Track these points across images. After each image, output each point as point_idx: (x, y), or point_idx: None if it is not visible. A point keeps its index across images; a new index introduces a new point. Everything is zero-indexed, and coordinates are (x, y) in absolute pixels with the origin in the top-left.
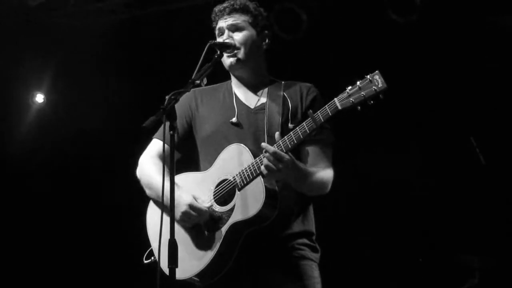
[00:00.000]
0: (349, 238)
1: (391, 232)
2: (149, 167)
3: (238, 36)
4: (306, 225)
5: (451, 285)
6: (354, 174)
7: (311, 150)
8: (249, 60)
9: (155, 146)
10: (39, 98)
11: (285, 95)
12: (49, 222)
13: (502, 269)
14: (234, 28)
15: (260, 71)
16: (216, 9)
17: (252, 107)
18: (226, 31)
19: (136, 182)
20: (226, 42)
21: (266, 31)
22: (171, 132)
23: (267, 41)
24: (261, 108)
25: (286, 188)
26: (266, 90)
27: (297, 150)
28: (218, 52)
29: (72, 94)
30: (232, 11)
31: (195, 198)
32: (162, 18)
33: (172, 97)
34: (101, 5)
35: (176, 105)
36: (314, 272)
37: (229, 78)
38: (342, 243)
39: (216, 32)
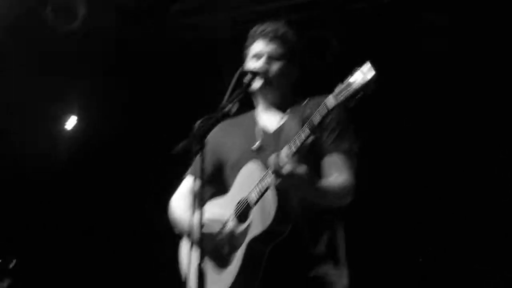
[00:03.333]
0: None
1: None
2: (176, 204)
3: (274, 67)
4: (331, 251)
5: None
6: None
7: (328, 159)
8: (279, 89)
9: (186, 183)
10: (72, 121)
11: (306, 110)
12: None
13: None
14: (273, 57)
15: (287, 95)
16: (258, 30)
17: (273, 130)
18: (265, 57)
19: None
20: (257, 70)
21: (299, 64)
22: (201, 157)
23: (297, 72)
24: (281, 129)
25: (303, 207)
26: (287, 112)
27: (316, 163)
28: (249, 79)
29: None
30: (275, 38)
31: (214, 217)
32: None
33: (202, 123)
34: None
35: (207, 139)
36: None
37: (254, 107)
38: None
39: (250, 53)
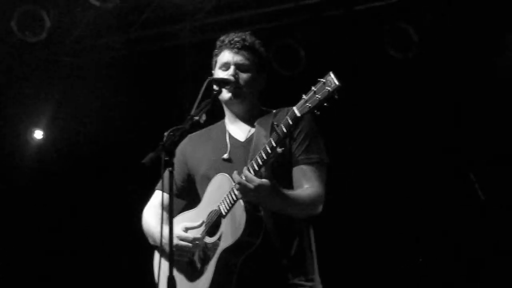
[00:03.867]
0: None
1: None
2: (148, 216)
3: (243, 76)
4: (302, 259)
5: None
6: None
7: (298, 169)
8: (248, 98)
9: (157, 196)
10: (38, 134)
11: (274, 122)
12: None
13: None
14: (241, 67)
15: (254, 105)
16: (226, 39)
17: (242, 140)
18: (233, 67)
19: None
20: (225, 79)
21: (266, 73)
22: (170, 169)
23: (265, 82)
24: (250, 140)
25: (272, 217)
26: (256, 122)
27: (286, 174)
28: (217, 88)
29: (71, 130)
30: (243, 48)
31: (185, 230)
32: (161, 54)
33: (171, 133)
34: (101, 41)
35: (176, 152)
36: None
37: (224, 117)
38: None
39: (218, 63)
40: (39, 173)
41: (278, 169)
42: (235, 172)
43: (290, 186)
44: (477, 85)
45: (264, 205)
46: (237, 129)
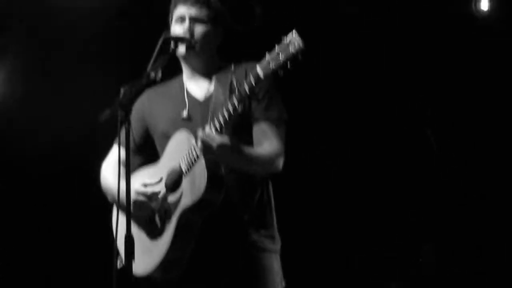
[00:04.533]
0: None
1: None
2: (106, 172)
3: (198, 30)
4: (262, 215)
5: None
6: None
7: (257, 128)
8: (204, 53)
9: (114, 153)
10: None
11: (233, 78)
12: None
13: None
14: (196, 21)
15: (212, 60)
16: None
17: (201, 99)
18: (188, 20)
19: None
20: (181, 36)
21: (222, 28)
22: (126, 125)
23: (221, 36)
24: (209, 98)
25: (233, 173)
26: (215, 79)
27: (247, 131)
28: (173, 45)
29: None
30: (197, 1)
31: (144, 185)
32: None
33: (127, 89)
34: None
35: (133, 108)
36: (274, 264)
37: (181, 72)
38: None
39: (174, 17)
40: None
41: (237, 127)
42: (199, 129)
43: (250, 144)
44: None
45: (225, 163)
46: (195, 86)
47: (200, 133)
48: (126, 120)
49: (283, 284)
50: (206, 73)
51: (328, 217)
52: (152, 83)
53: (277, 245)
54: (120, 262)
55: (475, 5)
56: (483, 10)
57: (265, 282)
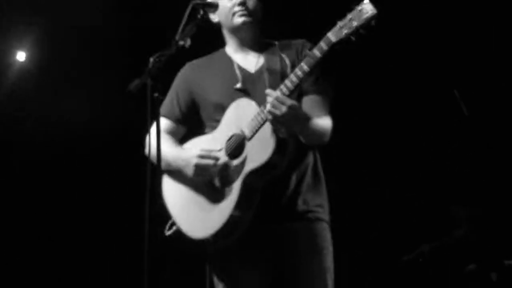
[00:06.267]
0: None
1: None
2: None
3: (251, 2)
4: (316, 183)
5: (438, 236)
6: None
7: (309, 99)
8: (256, 26)
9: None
10: (21, 56)
11: (281, 55)
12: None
13: (488, 219)
14: None
15: (259, 34)
16: None
17: (252, 71)
18: None
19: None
20: (211, 2)
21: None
22: (157, 94)
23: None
24: (261, 71)
25: (292, 138)
26: (263, 53)
27: (297, 100)
28: (202, 13)
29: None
30: None
31: (204, 150)
32: None
33: (157, 59)
34: None
35: (176, 79)
36: (327, 235)
37: (217, 48)
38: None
39: None
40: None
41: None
42: (269, 91)
43: None
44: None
45: (290, 128)
46: (244, 59)
47: (270, 94)
48: (157, 89)
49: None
50: (255, 46)
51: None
52: (181, 51)
53: (327, 215)
54: (169, 230)
55: None
56: None
57: (320, 249)
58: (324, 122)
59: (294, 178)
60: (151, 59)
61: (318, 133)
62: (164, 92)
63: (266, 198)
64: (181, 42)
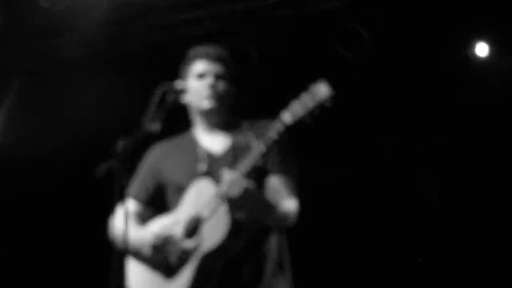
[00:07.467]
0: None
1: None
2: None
3: (221, 87)
4: (280, 260)
5: None
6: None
7: (274, 179)
8: (226, 109)
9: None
10: None
11: (248, 135)
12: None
13: None
14: (219, 78)
15: (228, 116)
16: (203, 50)
17: (219, 153)
18: (212, 77)
19: None
20: (181, 88)
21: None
22: (123, 179)
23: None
24: (228, 153)
25: (252, 221)
26: (231, 133)
27: (261, 183)
28: (173, 98)
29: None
30: (219, 59)
31: (162, 230)
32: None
33: (123, 142)
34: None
35: (144, 162)
36: None
37: (185, 129)
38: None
39: (192, 72)
40: None
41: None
42: (225, 171)
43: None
44: (427, 82)
45: (248, 209)
46: (211, 141)
47: (226, 175)
48: (124, 172)
49: None
50: (223, 128)
51: None
52: (150, 135)
53: None
54: None
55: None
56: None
57: None
58: (288, 205)
59: (253, 263)
60: (119, 143)
61: (280, 217)
62: (130, 172)
63: (225, 282)
64: (151, 126)
